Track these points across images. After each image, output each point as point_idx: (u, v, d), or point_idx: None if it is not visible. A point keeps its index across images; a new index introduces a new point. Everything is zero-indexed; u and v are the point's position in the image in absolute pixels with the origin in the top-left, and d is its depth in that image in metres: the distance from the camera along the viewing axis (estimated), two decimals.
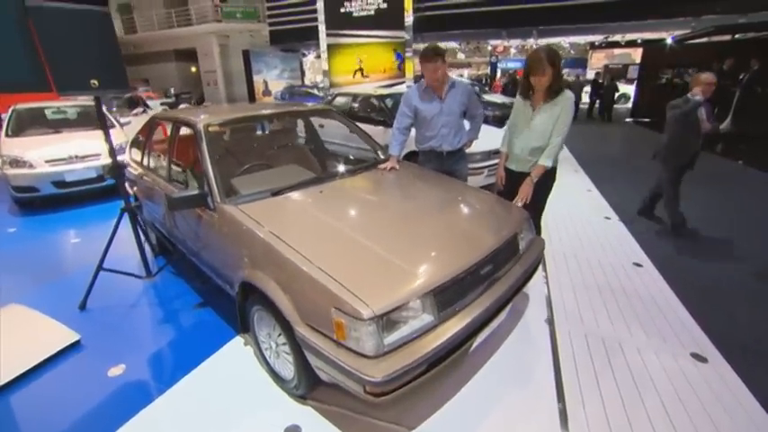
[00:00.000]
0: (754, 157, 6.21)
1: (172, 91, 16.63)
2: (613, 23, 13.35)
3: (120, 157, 3.63)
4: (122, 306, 2.63)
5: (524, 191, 2.36)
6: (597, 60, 24.96)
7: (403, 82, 8.70)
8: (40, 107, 5.47)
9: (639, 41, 18.06)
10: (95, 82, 2.23)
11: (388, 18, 8.48)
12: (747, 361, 2.01)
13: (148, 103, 9.75)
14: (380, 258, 1.58)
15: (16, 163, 4.38)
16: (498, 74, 21.01)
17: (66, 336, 2.23)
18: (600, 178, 5.40)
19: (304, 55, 20.19)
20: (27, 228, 4.27)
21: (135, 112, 7.89)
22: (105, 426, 1.70)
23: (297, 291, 1.53)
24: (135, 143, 3.47)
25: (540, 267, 2.56)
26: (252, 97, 16.97)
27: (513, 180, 2.49)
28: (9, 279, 3.01)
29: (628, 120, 11.85)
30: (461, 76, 25.09)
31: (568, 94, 2.26)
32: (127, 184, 3.53)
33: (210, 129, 2.34)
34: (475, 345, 1.72)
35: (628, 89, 15.19)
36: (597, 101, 12.47)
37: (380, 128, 4.86)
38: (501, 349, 2.10)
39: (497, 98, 10.33)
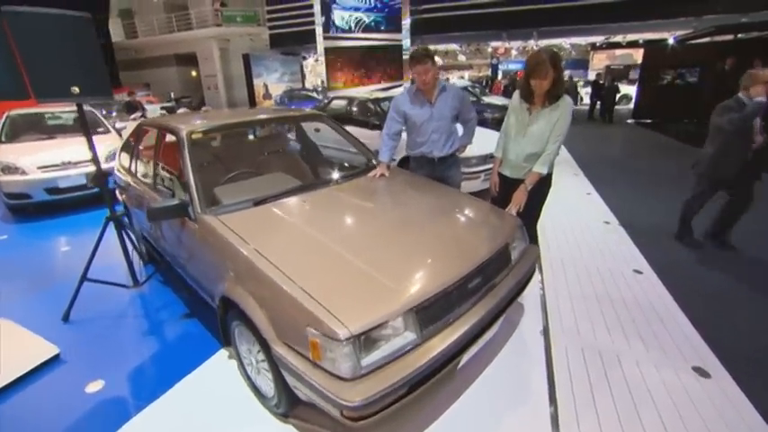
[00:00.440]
0: None
1: (171, 95, 16.65)
2: (614, 24, 13.30)
3: (113, 164, 3.60)
4: (107, 317, 2.57)
5: (518, 198, 2.29)
6: (599, 61, 24.93)
7: (400, 85, 8.66)
8: (35, 113, 5.43)
9: (641, 42, 17.98)
10: (77, 89, 2.19)
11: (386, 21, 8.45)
12: (751, 374, 1.91)
13: (148, 107, 9.73)
14: (362, 273, 1.51)
15: (8, 169, 4.35)
16: (500, 75, 20.95)
17: (45, 350, 2.16)
18: (600, 181, 5.30)
19: (304, 58, 20.21)
20: (19, 235, 4.23)
21: (133, 116, 7.88)
22: None
23: (273, 307, 1.46)
24: (124, 149, 3.43)
25: (537, 276, 2.47)
26: (252, 101, 16.98)
27: (508, 186, 2.42)
28: None
29: (629, 121, 11.71)
30: (462, 77, 25.10)
31: (568, 100, 2.19)
32: (117, 191, 3.50)
33: (194, 136, 2.28)
34: (463, 361, 1.65)
35: (630, 90, 15.07)
36: (598, 102, 12.36)
37: (376, 132, 4.79)
38: (493, 363, 2.02)
39: (498, 100, 10.22)
